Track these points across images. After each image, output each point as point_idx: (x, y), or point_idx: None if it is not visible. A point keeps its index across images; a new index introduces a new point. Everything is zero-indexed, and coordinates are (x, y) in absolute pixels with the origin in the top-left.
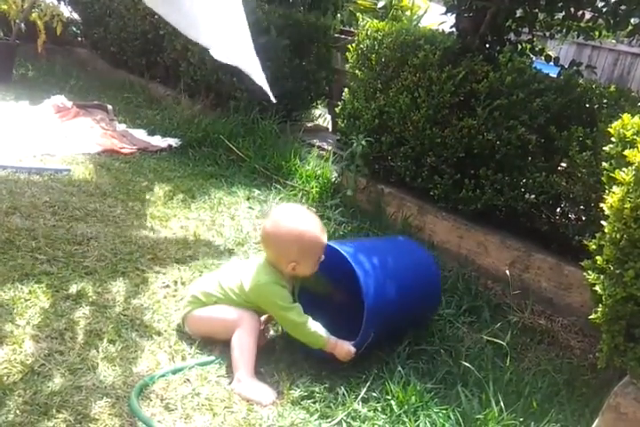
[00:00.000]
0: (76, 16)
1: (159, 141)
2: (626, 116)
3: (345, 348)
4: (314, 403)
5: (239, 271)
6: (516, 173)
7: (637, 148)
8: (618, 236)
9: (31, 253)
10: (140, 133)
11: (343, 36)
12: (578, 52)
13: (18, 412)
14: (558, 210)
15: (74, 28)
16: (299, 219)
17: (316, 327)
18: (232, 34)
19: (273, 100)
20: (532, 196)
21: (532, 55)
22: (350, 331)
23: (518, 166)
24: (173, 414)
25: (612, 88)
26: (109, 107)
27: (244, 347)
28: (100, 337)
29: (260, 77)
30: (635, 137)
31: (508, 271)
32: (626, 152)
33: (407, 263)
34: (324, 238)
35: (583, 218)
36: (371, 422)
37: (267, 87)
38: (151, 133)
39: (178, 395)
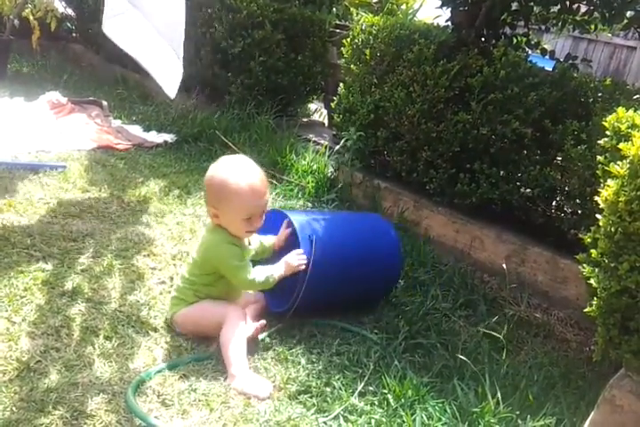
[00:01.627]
0: (70, 11)
1: (154, 137)
2: (620, 110)
3: (292, 261)
4: (310, 398)
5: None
6: (511, 167)
7: (632, 141)
8: (612, 229)
9: (26, 250)
10: (136, 129)
11: (338, 31)
12: (574, 45)
13: (14, 409)
14: (553, 203)
15: (68, 24)
16: (229, 167)
17: (264, 274)
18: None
19: (171, 96)
20: (528, 189)
21: (527, 49)
22: None
23: (513, 160)
24: (170, 409)
25: (608, 81)
26: (104, 103)
27: (232, 343)
28: (96, 334)
29: (160, 72)
30: (629, 130)
31: (504, 265)
32: (620, 145)
33: (357, 225)
34: (254, 193)
35: (578, 211)
36: (367, 416)
37: (166, 83)
38: (146, 129)
39: (174, 391)
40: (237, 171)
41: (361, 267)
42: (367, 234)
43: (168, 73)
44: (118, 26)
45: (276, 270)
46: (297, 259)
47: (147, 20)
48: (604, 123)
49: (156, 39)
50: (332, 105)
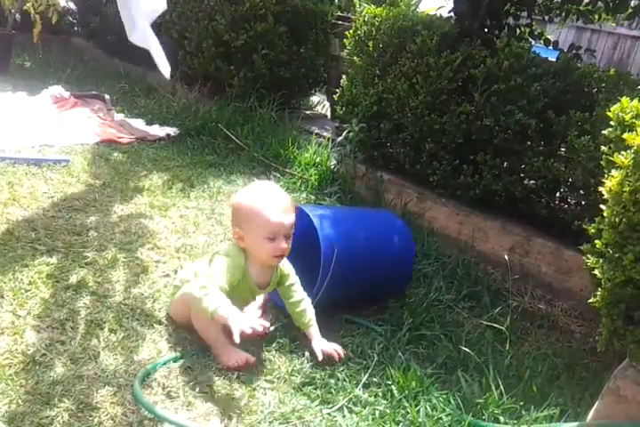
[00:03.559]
0: (71, 5)
1: (157, 131)
2: (624, 100)
3: (242, 322)
4: (315, 389)
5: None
6: (515, 159)
7: (636, 131)
8: (617, 219)
9: (31, 244)
10: (138, 123)
11: (341, 22)
12: (577, 35)
13: (20, 402)
14: (557, 195)
15: (70, 18)
16: (255, 189)
17: (214, 301)
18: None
19: (167, 76)
20: (531, 181)
21: (531, 39)
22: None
23: (516, 151)
24: (175, 401)
25: (612, 72)
26: (107, 97)
27: (201, 325)
28: (100, 327)
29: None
30: (634, 120)
31: (506, 256)
32: (625, 135)
33: (367, 215)
34: (277, 211)
35: (582, 202)
36: (372, 407)
37: (162, 64)
38: (149, 123)
39: (179, 383)
40: (262, 192)
41: (376, 270)
42: (383, 234)
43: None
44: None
45: (226, 311)
46: (250, 323)
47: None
48: (607, 113)
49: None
50: (335, 97)
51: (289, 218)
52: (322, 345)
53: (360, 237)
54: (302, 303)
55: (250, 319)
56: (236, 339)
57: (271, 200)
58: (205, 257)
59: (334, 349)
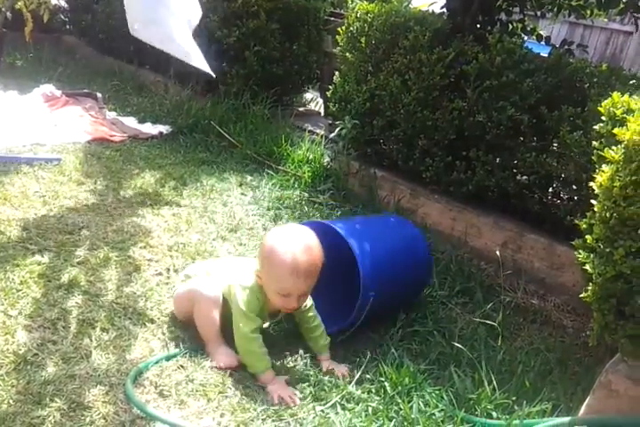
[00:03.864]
0: (63, 3)
1: (150, 129)
2: (615, 95)
3: (283, 389)
4: (308, 386)
5: (229, 275)
6: (507, 154)
7: (627, 126)
8: (607, 214)
9: (22, 244)
10: (131, 121)
11: (333, 19)
12: (570, 31)
13: (11, 402)
14: (550, 190)
15: (61, 16)
16: (288, 237)
17: (263, 351)
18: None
19: (212, 75)
20: (524, 177)
21: (523, 35)
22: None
23: (509, 147)
24: (168, 400)
25: (604, 67)
26: (99, 95)
27: (201, 322)
28: (92, 326)
29: (196, 58)
30: (625, 115)
31: (498, 252)
32: (615, 130)
33: (395, 240)
34: (296, 272)
35: (575, 198)
36: (365, 403)
37: (204, 67)
38: (141, 121)
39: (172, 381)
40: (295, 245)
41: (403, 288)
42: (409, 253)
43: (198, 55)
44: (146, 26)
45: (267, 369)
46: (284, 395)
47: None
48: (599, 108)
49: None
50: (328, 94)
51: (308, 282)
52: (333, 367)
53: (388, 267)
54: (319, 328)
55: (287, 391)
56: (276, 402)
57: (298, 259)
58: (218, 260)
59: (342, 372)
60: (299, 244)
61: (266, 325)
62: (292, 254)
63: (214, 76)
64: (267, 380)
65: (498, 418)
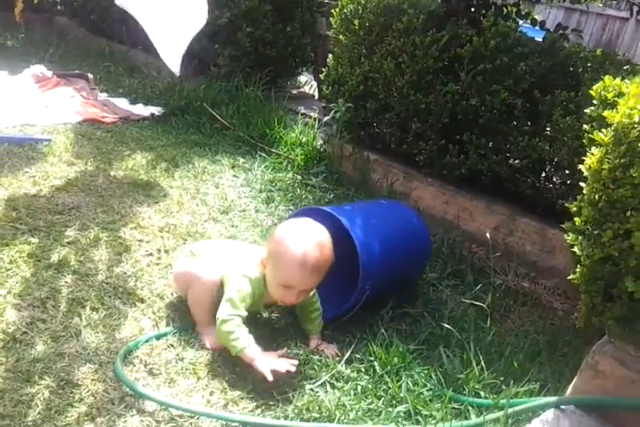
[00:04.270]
0: None
1: (141, 110)
2: (607, 78)
3: (273, 362)
4: (298, 365)
5: (234, 260)
6: (500, 138)
7: (616, 109)
8: (596, 197)
9: (12, 224)
10: (122, 102)
11: (327, 1)
12: (566, 16)
13: (0, 379)
14: (542, 174)
15: None
16: (302, 238)
17: (239, 330)
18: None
19: (177, 74)
20: (517, 160)
21: (517, 19)
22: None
23: (502, 131)
24: (157, 378)
25: (598, 52)
26: (90, 76)
27: (194, 305)
28: (82, 305)
29: (169, 52)
30: (615, 99)
31: (488, 234)
32: (605, 113)
33: (393, 223)
34: (304, 267)
35: (567, 182)
36: (354, 382)
37: (172, 63)
38: (133, 102)
39: (162, 360)
40: (307, 241)
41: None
42: (401, 227)
43: (172, 47)
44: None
45: (252, 352)
46: (275, 366)
47: None
48: (590, 91)
49: (172, 12)
50: (321, 77)
51: (314, 278)
52: (323, 347)
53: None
54: (317, 312)
55: (275, 361)
56: (269, 378)
57: (309, 253)
58: (226, 242)
59: (331, 352)
60: (312, 239)
61: (295, 364)
62: (303, 248)
63: (177, 75)
64: (249, 358)
65: (485, 397)
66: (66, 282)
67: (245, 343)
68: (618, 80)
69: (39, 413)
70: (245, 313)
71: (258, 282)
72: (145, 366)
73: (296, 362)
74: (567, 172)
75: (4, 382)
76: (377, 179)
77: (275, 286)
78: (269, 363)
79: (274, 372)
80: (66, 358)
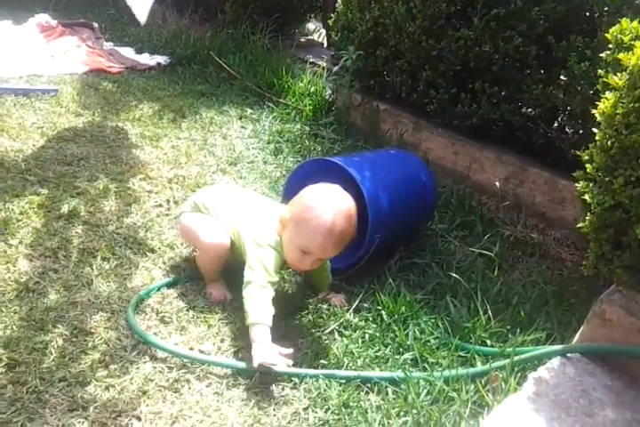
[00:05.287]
0: None
1: (147, 59)
2: (624, 21)
3: (272, 355)
4: (307, 314)
5: (242, 218)
6: (513, 86)
7: (633, 51)
8: (609, 143)
9: (21, 175)
10: (128, 52)
11: None
12: None
13: (14, 327)
14: (555, 124)
15: None
16: (331, 207)
17: (270, 305)
18: None
19: (141, 22)
20: (529, 109)
21: None
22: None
23: (515, 79)
24: (169, 326)
25: None
26: (95, 25)
27: (202, 265)
28: (93, 255)
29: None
30: (632, 42)
31: (497, 183)
32: (620, 55)
33: (400, 174)
34: (330, 235)
35: (580, 131)
36: (361, 330)
37: (140, 13)
38: (139, 51)
39: (173, 308)
40: (336, 212)
41: (408, 213)
42: (406, 176)
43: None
44: None
45: (258, 334)
46: (271, 359)
47: None
48: (606, 35)
49: None
50: (330, 22)
51: (335, 248)
52: (331, 297)
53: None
54: (326, 270)
55: (272, 356)
56: (252, 367)
57: (337, 222)
58: (230, 190)
59: (339, 301)
60: (342, 209)
61: (290, 363)
62: (333, 218)
63: (143, 24)
64: (252, 337)
65: (492, 346)
66: (76, 232)
67: (260, 320)
68: (635, 23)
69: (53, 360)
70: (277, 279)
71: (280, 250)
72: (157, 314)
73: (291, 363)
74: (580, 120)
75: (18, 331)
76: (386, 129)
77: (292, 248)
78: (265, 355)
79: (261, 365)
80: (78, 306)
